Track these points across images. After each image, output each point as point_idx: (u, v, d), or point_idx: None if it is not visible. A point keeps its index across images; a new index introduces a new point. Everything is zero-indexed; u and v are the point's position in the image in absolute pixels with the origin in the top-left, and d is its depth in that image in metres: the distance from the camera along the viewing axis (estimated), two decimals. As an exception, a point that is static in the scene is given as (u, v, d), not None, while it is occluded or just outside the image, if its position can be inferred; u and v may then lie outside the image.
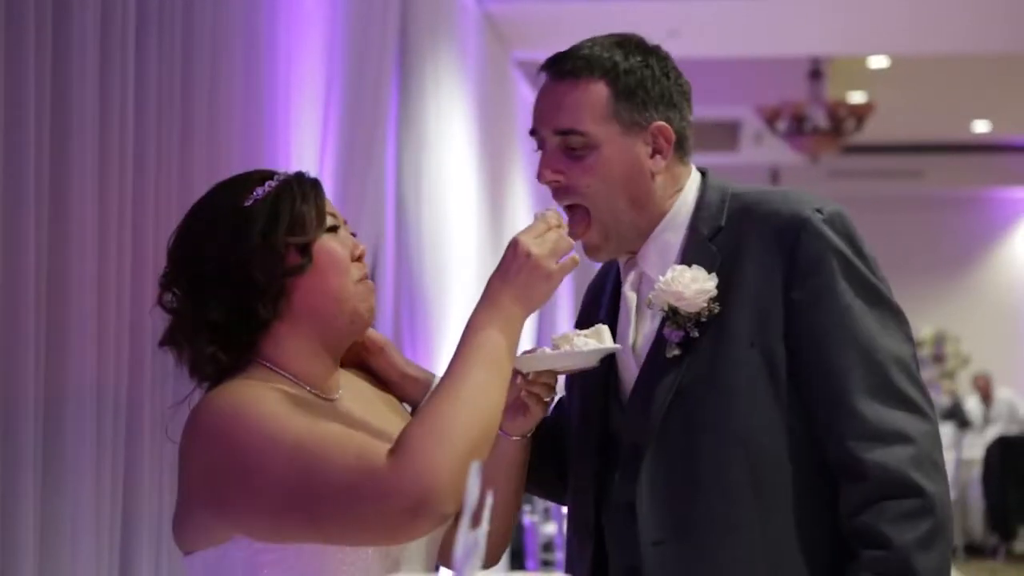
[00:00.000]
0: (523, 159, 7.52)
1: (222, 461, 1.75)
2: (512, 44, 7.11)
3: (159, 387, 2.64)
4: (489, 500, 1.78)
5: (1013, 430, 11.57)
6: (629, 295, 2.05)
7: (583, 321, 2.16)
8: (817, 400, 1.92)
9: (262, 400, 1.77)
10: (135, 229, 2.52)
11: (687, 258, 1.99)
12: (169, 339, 1.88)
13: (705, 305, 1.93)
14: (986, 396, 12.41)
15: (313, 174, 1.96)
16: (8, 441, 2.10)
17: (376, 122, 4.33)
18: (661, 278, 1.95)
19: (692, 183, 2.05)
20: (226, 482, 1.74)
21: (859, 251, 1.94)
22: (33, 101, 2.14)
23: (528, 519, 6.20)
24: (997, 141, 13.02)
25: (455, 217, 5.64)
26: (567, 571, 2.13)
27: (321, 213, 1.89)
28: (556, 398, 2.05)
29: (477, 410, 1.74)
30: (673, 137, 1.99)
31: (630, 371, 2.04)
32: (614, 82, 1.97)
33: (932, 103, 11.11)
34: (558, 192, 2.00)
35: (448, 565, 1.98)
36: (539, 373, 1.96)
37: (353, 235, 1.94)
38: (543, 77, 2.03)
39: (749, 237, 1.96)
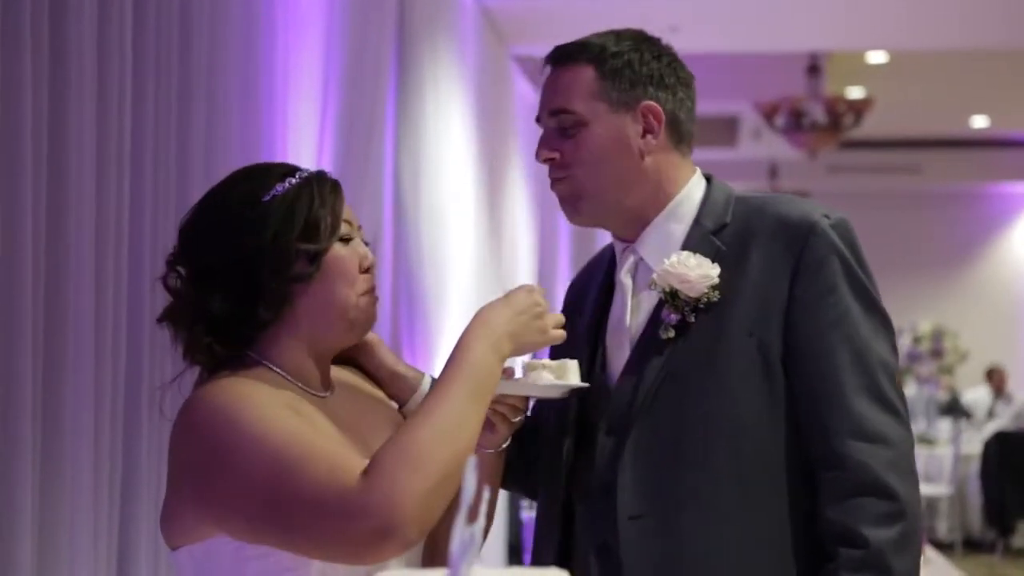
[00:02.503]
0: (521, 154, 7.51)
1: (206, 459, 1.74)
2: (510, 39, 7.11)
3: (156, 381, 2.64)
4: (486, 495, 1.78)
5: (1010, 425, 11.57)
6: (625, 281, 2.11)
7: (567, 314, 2.18)
8: (808, 392, 1.99)
9: (252, 401, 1.76)
10: (132, 223, 2.53)
11: (689, 248, 2.05)
12: (167, 317, 1.87)
13: (706, 291, 2.00)
14: (999, 390, 12.34)
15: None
16: (7, 435, 2.11)
17: (374, 118, 4.33)
18: (665, 260, 2.02)
19: (698, 180, 2.13)
20: (209, 480, 1.74)
21: (859, 259, 2.03)
22: (30, 99, 2.13)
23: (527, 515, 6.20)
24: (996, 136, 13.02)
25: (453, 213, 5.64)
26: (534, 555, 2.17)
27: (336, 220, 1.87)
28: (522, 418, 2.07)
29: (454, 440, 1.73)
30: (663, 117, 2.07)
31: (619, 353, 2.10)
32: (601, 64, 2.06)
33: (930, 98, 11.11)
34: (552, 170, 2.11)
35: (436, 563, 1.98)
36: (505, 395, 1.98)
37: (366, 244, 1.94)
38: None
39: (757, 235, 2.04)
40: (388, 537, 1.66)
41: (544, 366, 1.98)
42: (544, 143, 2.10)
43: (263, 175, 1.89)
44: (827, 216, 2.03)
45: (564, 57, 2.10)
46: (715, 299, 2.01)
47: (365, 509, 1.66)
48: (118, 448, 2.47)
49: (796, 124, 9.56)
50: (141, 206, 2.57)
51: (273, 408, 1.76)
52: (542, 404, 2.19)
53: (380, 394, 2.03)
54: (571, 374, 1.99)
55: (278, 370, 1.86)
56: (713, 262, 2.02)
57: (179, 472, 1.80)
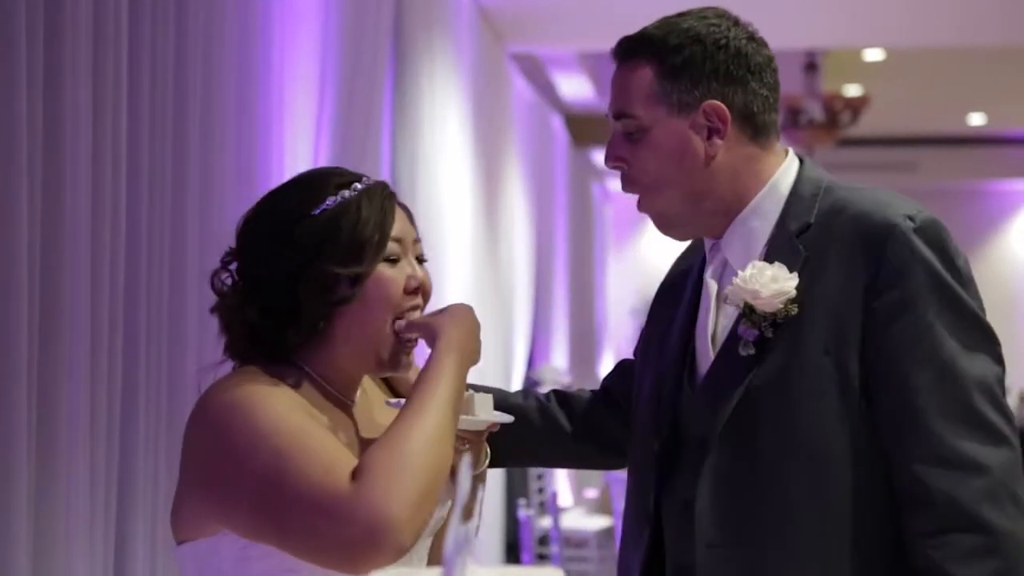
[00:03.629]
0: (518, 152, 7.50)
1: (215, 452, 1.74)
2: (507, 38, 7.09)
3: (152, 379, 2.64)
4: (481, 494, 1.77)
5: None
6: (710, 283, 1.97)
7: (661, 302, 2.12)
8: (888, 418, 1.83)
9: (264, 397, 1.75)
10: (128, 221, 2.52)
11: (771, 253, 1.91)
12: (217, 311, 1.85)
13: (782, 306, 1.85)
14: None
15: (306, 169, 1.93)
16: (2, 435, 2.10)
17: (371, 116, 4.33)
18: (740, 273, 1.88)
19: (787, 171, 1.97)
20: (215, 470, 1.74)
21: (951, 264, 1.84)
22: (25, 95, 2.13)
23: (523, 513, 6.20)
24: (993, 134, 13.02)
25: (450, 211, 5.64)
26: (621, 556, 2.08)
27: (383, 239, 1.82)
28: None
29: (440, 445, 1.73)
30: (728, 116, 1.91)
31: (706, 360, 1.97)
32: (659, 63, 1.92)
33: (927, 96, 11.11)
34: (622, 180, 1.98)
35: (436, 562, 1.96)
36: None
37: (421, 260, 1.89)
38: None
39: (837, 238, 1.88)
40: (378, 542, 1.64)
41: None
42: (611, 148, 1.96)
43: (318, 185, 1.84)
44: (911, 218, 1.85)
45: (625, 53, 1.96)
46: (793, 312, 1.84)
47: (355, 514, 1.64)
48: (114, 446, 2.47)
49: (793, 122, 9.56)
50: (137, 204, 2.57)
51: (284, 406, 1.74)
52: (640, 379, 2.10)
53: (381, 395, 2.03)
54: (477, 407, 1.92)
55: (310, 371, 1.83)
56: (794, 270, 1.86)
57: (189, 463, 1.79)
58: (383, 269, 1.82)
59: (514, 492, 7.33)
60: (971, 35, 7.76)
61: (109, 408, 2.44)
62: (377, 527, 1.64)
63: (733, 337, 1.91)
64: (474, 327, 1.88)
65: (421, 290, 1.87)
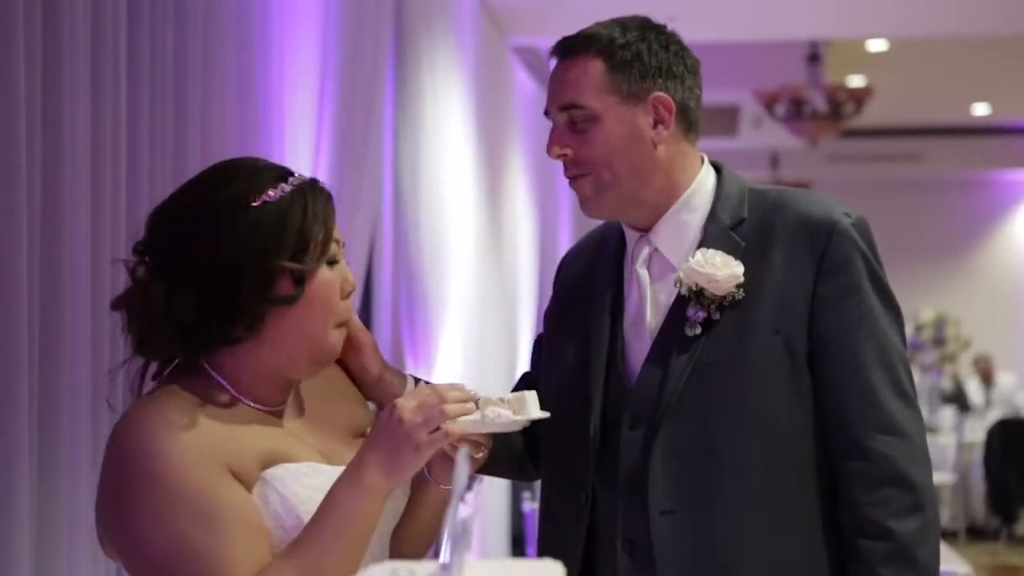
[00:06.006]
0: (521, 146, 7.49)
1: (121, 502, 1.71)
2: (509, 30, 7.08)
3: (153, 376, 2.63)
4: (477, 486, 1.74)
5: (1009, 413, 11.57)
6: (641, 272, 2.11)
7: (562, 298, 2.23)
8: (836, 387, 2.02)
9: (180, 460, 1.68)
10: (128, 223, 2.51)
11: (708, 244, 2.06)
12: (125, 305, 1.76)
13: (732, 290, 2.01)
14: (987, 378, 12.37)
15: (309, 164, 1.91)
16: (3, 438, 2.09)
17: (372, 110, 4.31)
18: (691, 259, 2.03)
19: (707, 171, 2.13)
20: (118, 520, 1.72)
21: (876, 256, 2.07)
22: (23, 98, 2.12)
23: (528, 506, 6.19)
24: (997, 124, 13.00)
25: (453, 205, 5.62)
26: (548, 533, 2.16)
27: (328, 238, 1.76)
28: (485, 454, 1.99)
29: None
30: (673, 107, 2.06)
31: (638, 345, 2.10)
32: (610, 56, 2.05)
33: (931, 86, 11.09)
34: (566, 166, 2.10)
35: (405, 557, 1.93)
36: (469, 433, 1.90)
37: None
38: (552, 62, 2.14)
39: (778, 232, 2.05)
40: None
41: (502, 401, 1.89)
42: (555, 139, 2.10)
43: (253, 175, 1.76)
44: (848, 215, 2.06)
45: (572, 50, 2.08)
46: (740, 297, 2.02)
47: None
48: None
49: (797, 113, 9.55)
50: (137, 205, 2.55)
51: (198, 475, 1.68)
52: (545, 395, 2.16)
53: (354, 393, 1.97)
54: (530, 406, 1.92)
55: (228, 387, 1.77)
56: (735, 258, 2.03)
57: (102, 495, 1.75)
58: (324, 271, 1.76)
59: (519, 485, 7.33)
60: (975, 25, 7.75)
61: (111, 414, 2.43)
62: None
63: (675, 319, 2.05)
64: (392, 428, 1.73)
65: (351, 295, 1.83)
